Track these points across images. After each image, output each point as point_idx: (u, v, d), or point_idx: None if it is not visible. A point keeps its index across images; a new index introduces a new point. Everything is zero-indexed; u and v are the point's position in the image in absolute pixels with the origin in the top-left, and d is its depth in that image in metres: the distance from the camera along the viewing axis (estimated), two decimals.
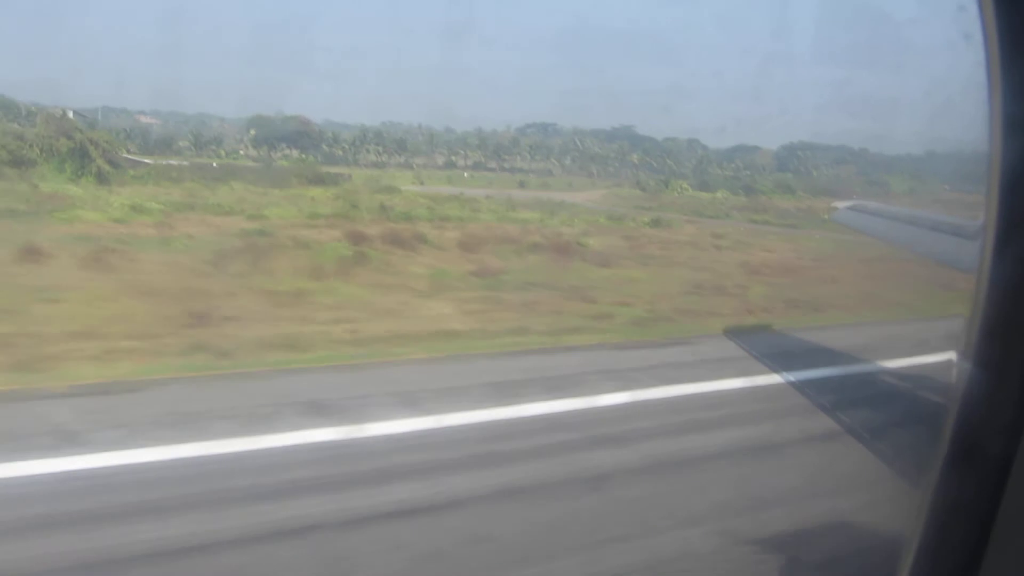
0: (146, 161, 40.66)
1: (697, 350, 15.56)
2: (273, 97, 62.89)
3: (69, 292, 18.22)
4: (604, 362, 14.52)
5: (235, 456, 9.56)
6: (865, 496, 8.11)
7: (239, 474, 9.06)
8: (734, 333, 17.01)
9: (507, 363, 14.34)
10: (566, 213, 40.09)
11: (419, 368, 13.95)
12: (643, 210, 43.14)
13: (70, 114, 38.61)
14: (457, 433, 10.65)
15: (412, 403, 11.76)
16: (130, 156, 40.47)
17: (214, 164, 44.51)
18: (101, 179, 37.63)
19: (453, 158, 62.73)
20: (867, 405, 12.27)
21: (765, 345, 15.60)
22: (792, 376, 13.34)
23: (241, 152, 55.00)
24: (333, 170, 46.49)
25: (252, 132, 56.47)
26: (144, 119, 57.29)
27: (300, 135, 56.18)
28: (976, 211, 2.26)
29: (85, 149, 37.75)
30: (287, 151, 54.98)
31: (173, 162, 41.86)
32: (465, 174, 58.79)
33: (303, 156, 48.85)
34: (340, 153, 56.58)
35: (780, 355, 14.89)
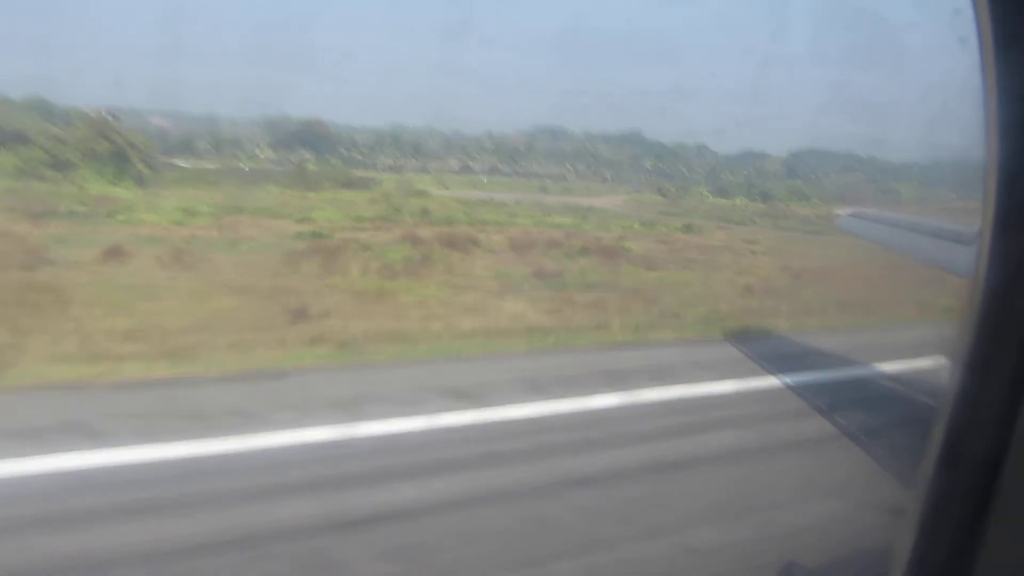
0: (181, 164, 41.65)
1: (774, 346, 16.78)
2: (277, 98, 63.65)
3: (163, 290, 19.33)
4: (694, 356, 15.69)
5: (411, 433, 10.71)
6: None
7: (426, 448, 10.23)
8: (801, 331, 18.23)
9: (605, 356, 15.52)
10: (596, 218, 41.28)
11: (527, 360, 15.11)
12: (670, 216, 44.35)
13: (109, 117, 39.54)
14: (592, 416, 11.82)
15: (538, 389, 12.94)
16: (165, 159, 41.43)
17: (245, 168, 45.52)
18: (139, 182, 38.62)
19: (470, 163, 63.69)
20: None
21: (842, 342, 16.84)
22: (878, 368, 14.62)
23: (260, 155, 55.95)
24: (359, 173, 47.57)
25: (262, 135, 57.36)
26: (154, 120, 58.17)
27: (318, 138, 57.17)
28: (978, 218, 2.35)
29: (124, 152, 38.71)
30: (304, 154, 55.96)
31: (209, 166, 42.85)
32: (484, 179, 59.84)
33: (330, 160, 49.86)
34: (358, 157, 57.60)
35: (859, 350, 16.14)
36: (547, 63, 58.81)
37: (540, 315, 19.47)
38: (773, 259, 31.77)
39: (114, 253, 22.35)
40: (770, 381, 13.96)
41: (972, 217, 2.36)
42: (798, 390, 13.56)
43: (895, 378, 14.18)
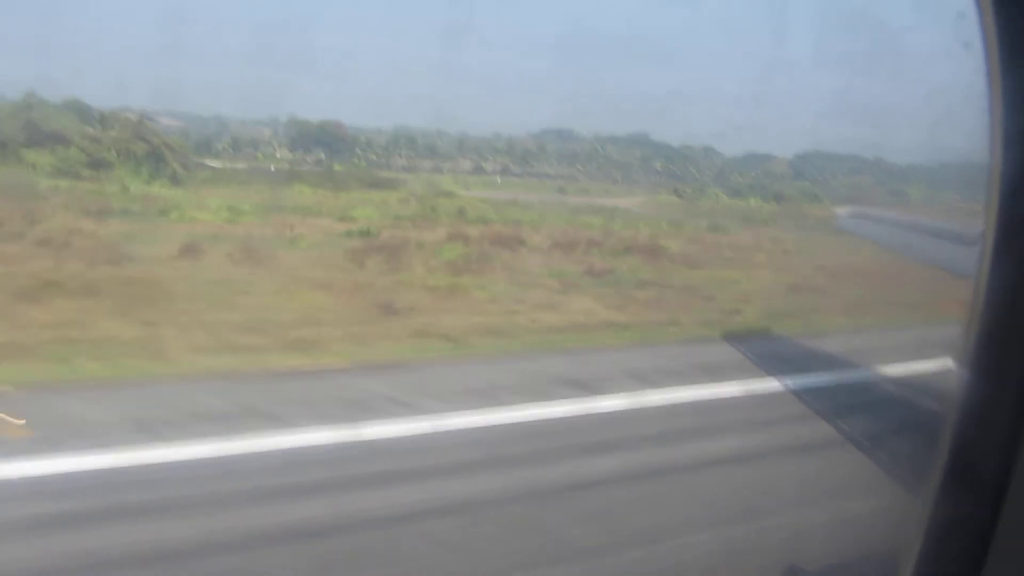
0: (213, 165, 42.55)
1: (849, 341, 17.99)
2: (284, 99, 64.56)
3: (248, 285, 20.34)
4: (774, 350, 16.88)
5: (555, 420, 11.85)
6: None
7: (575, 432, 11.37)
8: (866, 328, 19.47)
9: (691, 349, 16.69)
10: (621, 218, 42.43)
11: (621, 353, 16.28)
12: (692, 216, 45.52)
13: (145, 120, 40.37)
14: (713, 403, 12.99)
15: (645, 379, 14.11)
16: (198, 160, 42.32)
17: (271, 168, 46.42)
18: (174, 181, 39.46)
19: (482, 164, 64.69)
20: None
21: (910, 337, 18.06)
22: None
23: (277, 155, 56.74)
24: (383, 174, 48.57)
25: (280, 135, 58.14)
26: (163, 121, 58.82)
27: (335, 140, 58.07)
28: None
29: (160, 153, 39.57)
30: (320, 155, 56.82)
31: (238, 166, 43.76)
32: (497, 179, 60.87)
33: (356, 162, 50.82)
34: (374, 158, 58.52)
35: (932, 344, 17.36)
36: (552, 66, 59.77)
37: (609, 311, 20.62)
38: (805, 258, 33.03)
39: (189, 250, 23.31)
40: (860, 374, 15.16)
41: (978, 219, 2.40)
42: (892, 381, 14.78)
43: None
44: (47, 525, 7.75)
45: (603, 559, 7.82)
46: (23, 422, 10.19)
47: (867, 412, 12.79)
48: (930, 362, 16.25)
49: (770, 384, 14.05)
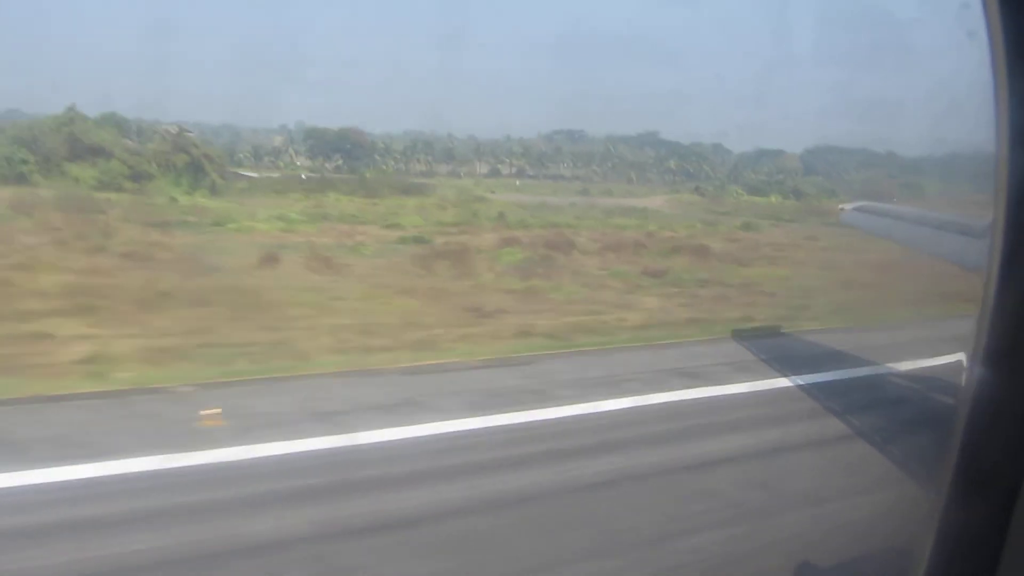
0: (250, 175, 43.70)
1: (921, 331, 19.20)
2: (293, 106, 65.76)
3: (336, 291, 21.51)
4: (862, 340, 18.04)
5: (686, 402, 13.12)
6: None
7: (708, 412, 12.64)
8: (936, 318, 20.66)
9: (779, 342, 17.93)
10: (651, 218, 43.66)
11: (714, 346, 17.51)
12: (716, 214, 46.76)
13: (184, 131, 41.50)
14: (833, 386, 14.15)
15: (749, 370, 15.33)
16: (234, 170, 43.47)
17: (303, 176, 47.59)
18: (213, 191, 40.57)
19: (499, 167, 65.84)
20: None
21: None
22: None
23: (297, 163, 57.88)
24: (414, 180, 49.73)
25: (279, 141, 59.18)
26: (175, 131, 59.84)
27: (354, 146, 59.24)
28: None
29: (200, 164, 40.70)
30: (339, 162, 57.97)
31: (274, 175, 44.93)
32: (516, 182, 62.05)
33: (384, 168, 51.97)
34: (392, 163, 59.68)
35: None
36: (558, 67, 61.15)
37: (682, 309, 21.87)
38: (843, 255, 34.21)
39: (266, 260, 24.48)
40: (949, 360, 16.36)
41: (988, 211, 2.41)
42: None
43: None
44: (312, 496, 9.00)
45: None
46: (219, 411, 11.39)
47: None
48: None
49: (874, 370, 15.27)
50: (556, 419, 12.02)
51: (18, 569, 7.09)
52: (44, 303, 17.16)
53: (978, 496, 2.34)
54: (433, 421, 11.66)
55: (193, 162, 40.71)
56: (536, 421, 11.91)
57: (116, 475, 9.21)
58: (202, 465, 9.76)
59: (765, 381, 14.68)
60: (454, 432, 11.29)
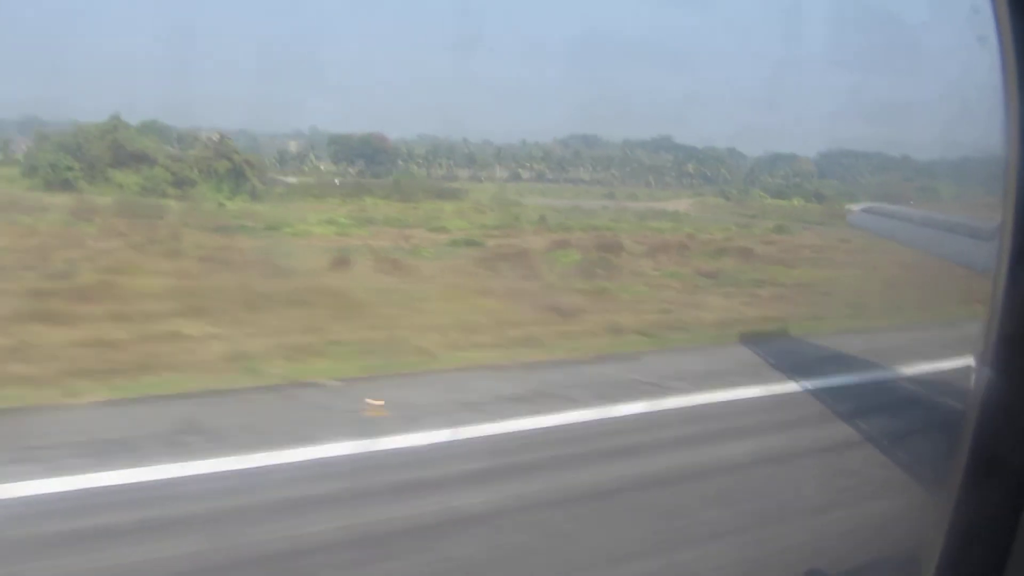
0: (288, 180, 44.74)
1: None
2: (305, 111, 66.88)
3: (416, 292, 22.51)
4: (942, 336, 19.07)
5: (799, 393, 14.19)
6: None
7: (837, 400, 13.71)
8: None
9: (858, 338, 18.98)
10: (685, 221, 44.80)
11: (796, 343, 18.58)
12: (748, 218, 47.89)
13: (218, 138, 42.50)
14: (937, 376, 15.17)
15: (849, 365, 16.39)
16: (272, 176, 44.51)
17: (336, 182, 48.65)
18: (254, 197, 41.56)
19: (520, 171, 66.92)
20: None
21: None
22: None
23: (322, 168, 58.87)
24: (446, 185, 50.82)
25: (295, 146, 60.19)
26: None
27: (376, 151, 60.30)
28: None
29: (242, 170, 41.69)
30: (361, 167, 58.98)
31: (310, 180, 45.99)
32: (539, 186, 63.10)
33: (415, 173, 53.03)
34: (414, 168, 60.74)
35: None
36: (571, 72, 62.12)
37: (748, 308, 22.96)
38: (879, 255, 35.36)
39: (338, 263, 25.52)
40: None
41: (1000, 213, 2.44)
42: None
43: None
44: (513, 473, 10.07)
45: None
46: (382, 402, 12.43)
47: None
48: None
49: (964, 362, 16.33)
50: (685, 407, 13.10)
51: (320, 530, 8.16)
52: (156, 305, 18.15)
53: (987, 497, 2.38)
54: (576, 409, 12.74)
55: (235, 168, 41.67)
56: (670, 409, 12.99)
57: (322, 459, 10.25)
58: (393, 449, 10.81)
59: (868, 373, 15.78)
60: (602, 419, 12.38)
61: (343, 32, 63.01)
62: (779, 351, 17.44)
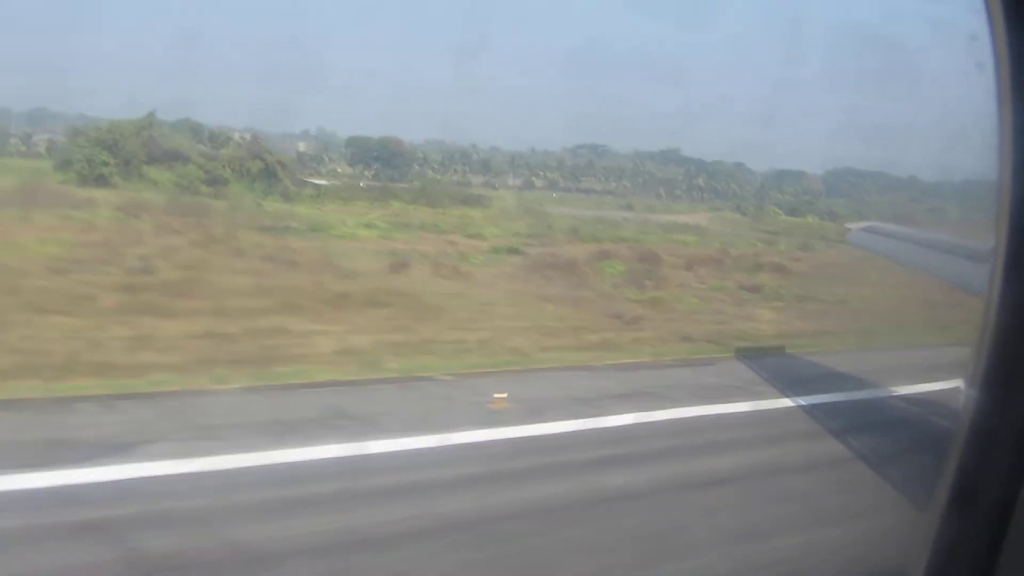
0: (318, 182, 45.76)
1: None
2: (312, 113, 67.92)
3: (478, 296, 23.61)
4: None
5: (874, 400, 15.41)
6: None
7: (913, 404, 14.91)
8: None
9: (925, 352, 20.14)
10: (707, 236, 46.04)
11: (868, 354, 19.82)
12: (769, 234, 49.15)
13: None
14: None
15: (904, 373, 17.62)
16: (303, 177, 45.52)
17: (362, 184, 49.73)
18: (286, 197, 42.53)
19: (533, 179, 68.05)
20: None
21: None
22: None
23: (339, 170, 59.79)
24: (471, 191, 51.96)
25: (304, 147, 61.13)
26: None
27: (393, 155, 61.33)
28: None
29: (274, 170, 42.69)
30: (378, 170, 59.96)
31: (336, 182, 47.05)
32: (554, 195, 64.21)
33: (442, 177, 54.11)
34: (430, 173, 61.79)
35: None
36: (580, 84, 63.39)
37: (799, 322, 24.22)
38: (904, 274, 36.67)
39: (397, 266, 26.60)
40: None
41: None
42: None
43: None
44: (639, 459, 11.21)
45: None
46: (505, 395, 13.55)
47: None
48: None
49: None
50: (777, 409, 14.29)
51: (504, 502, 9.27)
52: (247, 301, 19.16)
53: (972, 516, 2.42)
54: (678, 407, 13.95)
55: (267, 168, 42.64)
56: (764, 410, 14.18)
57: (476, 443, 11.42)
58: (529, 436, 11.98)
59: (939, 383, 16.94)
60: (707, 415, 13.58)
61: (353, 36, 63.93)
62: (843, 361, 18.65)
